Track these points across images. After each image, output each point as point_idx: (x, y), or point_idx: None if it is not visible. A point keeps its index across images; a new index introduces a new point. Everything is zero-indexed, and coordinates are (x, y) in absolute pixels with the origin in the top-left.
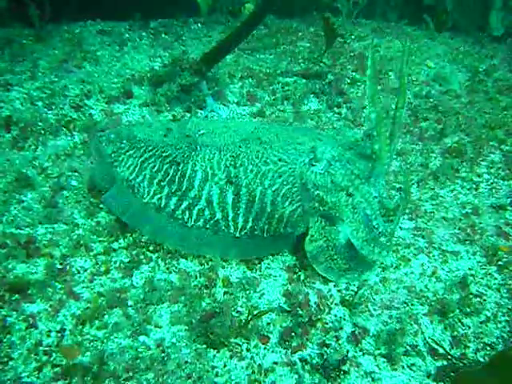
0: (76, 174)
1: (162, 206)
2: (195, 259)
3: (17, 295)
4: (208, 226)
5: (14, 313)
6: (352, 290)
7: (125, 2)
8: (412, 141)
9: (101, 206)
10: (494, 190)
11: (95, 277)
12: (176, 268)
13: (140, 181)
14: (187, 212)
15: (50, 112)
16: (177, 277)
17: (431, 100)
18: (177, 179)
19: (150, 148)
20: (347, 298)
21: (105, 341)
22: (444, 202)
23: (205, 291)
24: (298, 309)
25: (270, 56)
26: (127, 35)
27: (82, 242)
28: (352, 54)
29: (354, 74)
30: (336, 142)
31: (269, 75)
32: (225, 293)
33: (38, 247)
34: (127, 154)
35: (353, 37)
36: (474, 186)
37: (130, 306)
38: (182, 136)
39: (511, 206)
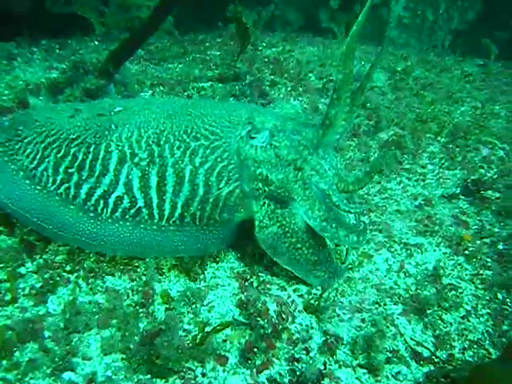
0: None
1: (71, 196)
2: (124, 274)
3: None
4: (127, 217)
5: None
6: (314, 294)
7: (11, 22)
8: (346, 137)
9: (0, 228)
10: (441, 180)
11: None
12: (102, 287)
13: (43, 169)
14: (101, 201)
15: None
16: (104, 297)
17: None
18: (88, 164)
19: (54, 132)
20: (312, 302)
21: None
22: (393, 194)
23: (141, 310)
24: (259, 319)
25: (180, 65)
26: (15, 51)
27: None
28: (266, 60)
29: (272, 77)
30: (275, 113)
31: (181, 82)
32: (166, 309)
33: None
34: (25, 140)
35: (264, 44)
36: (421, 177)
37: (48, 338)
38: (94, 116)
39: (462, 195)
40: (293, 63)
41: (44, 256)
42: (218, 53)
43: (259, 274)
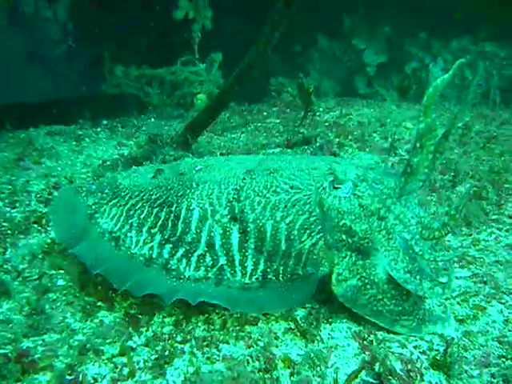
0: (61, 271)
1: (154, 256)
2: (238, 341)
3: None
4: (210, 275)
5: None
6: (436, 350)
7: (72, 107)
8: (425, 193)
9: (98, 303)
10: None
11: (119, 383)
12: (218, 356)
13: (126, 231)
14: (184, 260)
15: (14, 210)
16: (224, 365)
17: None
18: (170, 223)
19: (137, 193)
20: (437, 358)
21: None
22: (488, 246)
23: (266, 376)
24: (390, 377)
25: (243, 134)
26: (80, 132)
27: (87, 346)
28: (327, 124)
29: (337, 139)
30: (354, 164)
31: (250, 149)
32: (291, 374)
33: (33, 360)
34: (110, 203)
35: (321, 109)
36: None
37: None
38: (175, 175)
39: None
40: (354, 125)
41: (151, 328)
42: (278, 120)
43: (376, 332)
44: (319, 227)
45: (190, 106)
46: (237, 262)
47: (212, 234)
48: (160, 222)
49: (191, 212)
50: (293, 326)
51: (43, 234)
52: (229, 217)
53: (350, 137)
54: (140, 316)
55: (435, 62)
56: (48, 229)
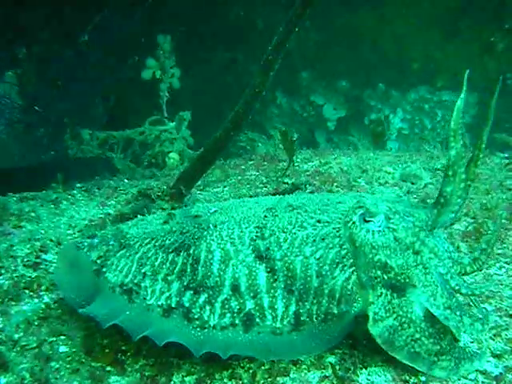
0: (62, 337)
1: (174, 306)
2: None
3: None
4: (237, 322)
5: None
6: None
7: (42, 172)
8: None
9: (108, 368)
10: None
11: None
12: None
13: (139, 281)
14: (207, 307)
15: (0, 278)
16: None
17: (415, 196)
18: (189, 267)
19: (148, 240)
20: None
21: None
22: (501, 280)
23: None
24: None
25: (225, 188)
26: (56, 195)
27: None
28: (309, 173)
29: (323, 186)
30: (380, 198)
31: None
32: None
33: None
34: (118, 254)
35: (299, 159)
36: None
37: None
38: (189, 219)
39: None
40: (336, 173)
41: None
42: (258, 172)
43: (416, 373)
44: (351, 261)
45: (162, 166)
46: (266, 305)
47: (236, 276)
48: (177, 268)
49: (212, 254)
50: (327, 374)
51: (36, 300)
52: (253, 255)
53: (335, 183)
54: (157, 377)
55: (395, 113)
56: (41, 294)
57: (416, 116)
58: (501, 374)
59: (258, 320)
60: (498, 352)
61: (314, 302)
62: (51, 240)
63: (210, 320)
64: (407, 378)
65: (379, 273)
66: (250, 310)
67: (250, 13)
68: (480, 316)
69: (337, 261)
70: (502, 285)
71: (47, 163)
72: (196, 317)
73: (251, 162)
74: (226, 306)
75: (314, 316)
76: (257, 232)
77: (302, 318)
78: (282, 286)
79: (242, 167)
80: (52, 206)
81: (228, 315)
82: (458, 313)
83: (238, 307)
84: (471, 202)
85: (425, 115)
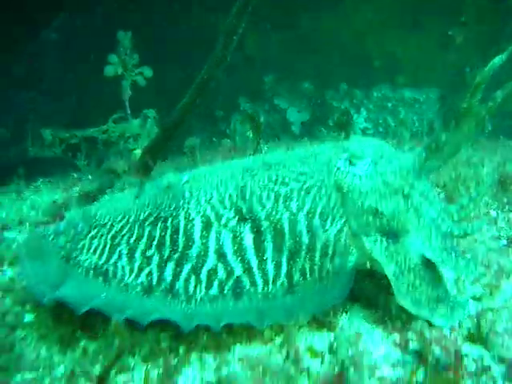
0: (27, 307)
1: (155, 283)
2: (250, 340)
3: None
4: (226, 291)
5: None
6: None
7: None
8: None
9: (77, 334)
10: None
11: None
12: (233, 359)
13: (115, 260)
14: (192, 279)
15: None
16: (242, 366)
17: None
18: (168, 239)
19: (120, 217)
20: (472, 332)
21: None
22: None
23: (292, 366)
24: (434, 347)
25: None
26: (17, 187)
27: (75, 371)
28: None
29: None
30: (363, 143)
31: None
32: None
33: None
34: (88, 236)
35: (266, 148)
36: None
37: None
38: (161, 190)
39: None
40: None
41: (147, 344)
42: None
43: (397, 317)
44: (341, 211)
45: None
46: (255, 269)
47: (221, 242)
48: (156, 242)
49: (191, 222)
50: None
51: None
52: (236, 218)
53: None
54: (129, 339)
55: (358, 112)
56: (4, 269)
57: (379, 115)
58: (482, 310)
59: (248, 287)
60: (478, 296)
61: (307, 259)
62: (13, 220)
63: (197, 293)
64: (387, 320)
65: (371, 219)
66: (238, 277)
67: None
68: (469, 256)
69: (327, 213)
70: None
71: (9, 161)
72: (181, 291)
73: (217, 153)
74: (213, 276)
75: (308, 274)
76: (236, 194)
77: (295, 279)
78: (271, 246)
79: (208, 157)
80: (14, 194)
81: (215, 284)
82: (453, 255)
83: (225, 275)
84: (440, 174)
85: (388, 113)
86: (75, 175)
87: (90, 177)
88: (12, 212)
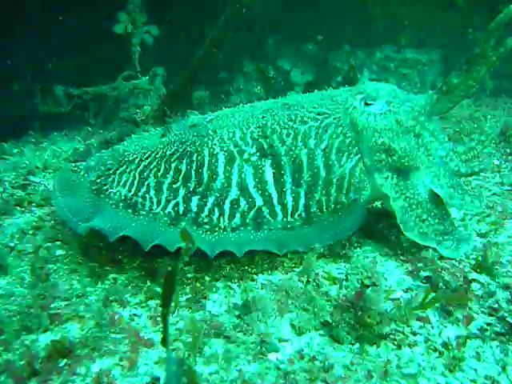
0: (58, 242)
1: (181, 213)
2: (271, 270)
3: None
4: (248, 221)
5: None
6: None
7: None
8: None
9: (106, 267)
10: None
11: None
12: (257, 284)
13: (143, 193)
14: (216, 210)
15: None
16: (266, 290)
17: None
18: (193, 173)
19: (148, 154)
20: (478, 261)
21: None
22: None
23: (312, 289)
24: (444, 273)
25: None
26: (34, 140)
27: (111, 297)
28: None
29: None
30: (378, 85)
31: None
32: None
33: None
34: (118, 172)
35: None
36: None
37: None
38: (186, 129)
39: None
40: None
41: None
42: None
43: (409, 250)
44: (356, 148)
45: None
46: (275, 201)
47: (243, 176)
48: (182, 175)
49: (215, 157)
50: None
51: (28, 214)
52: (258, 154)
53: None
54: (155, 272)
55: (361, 73)
56: (33, 209)
57: (382, 76)
58: (489, 241)
59: (268, 217)
60: (483, 231)
61: (323, 192)
62: (37, 167)
63: (220, 222)
64: (399, 252)
65: (384, 156)
66: (259, 208)
67: None
68: (476, 194)
69: (342, 149)
70: (481, 187)
71: (24, 115)
72: (206, 221)
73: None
74: (235, 207)
75: (324, 207)
76: (258, 132)
77: (312, 210)
78: (290, 180)
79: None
80: (33, 146)
81: (238, 215)
82: (459, 191)
83: (247, 206)
84: (445, 128)
85: (390, 74)
86: (90, 129)
87: (100, 131)
88: (35, 159)
